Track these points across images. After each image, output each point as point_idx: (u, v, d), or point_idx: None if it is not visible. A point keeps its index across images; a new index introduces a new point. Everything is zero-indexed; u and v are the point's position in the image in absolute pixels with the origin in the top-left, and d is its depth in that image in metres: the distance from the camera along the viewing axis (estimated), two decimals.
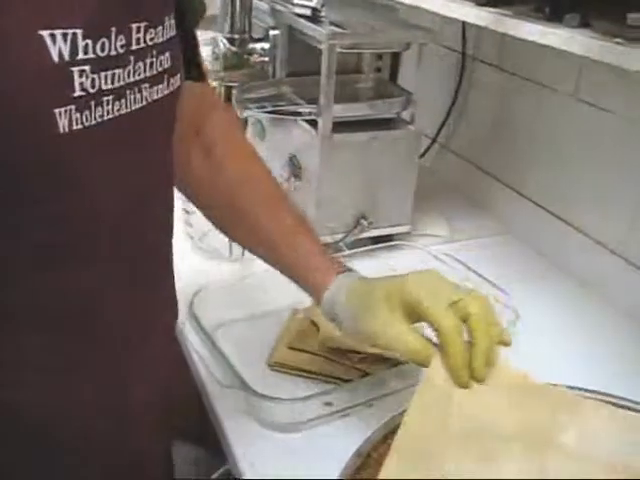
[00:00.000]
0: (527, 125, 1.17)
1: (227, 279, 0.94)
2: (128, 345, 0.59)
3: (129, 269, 0.56)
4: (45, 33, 0.42)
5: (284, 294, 0.85)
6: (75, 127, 0.44)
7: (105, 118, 0.47)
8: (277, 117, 1.09)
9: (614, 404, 0.69)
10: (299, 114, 1.03)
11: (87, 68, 0.44)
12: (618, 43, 0.72)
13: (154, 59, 0.51)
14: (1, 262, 0.47)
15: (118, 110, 0.48)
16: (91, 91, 0.45)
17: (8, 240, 0.46)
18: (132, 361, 0.60)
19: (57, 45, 0.42)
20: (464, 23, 1.24)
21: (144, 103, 0.51)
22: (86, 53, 0.44)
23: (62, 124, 0.44)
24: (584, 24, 0.78)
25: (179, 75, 0.56)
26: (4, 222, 0.45)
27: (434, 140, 1.38)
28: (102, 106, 0.46)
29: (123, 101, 0.48)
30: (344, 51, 0.99)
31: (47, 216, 0.47)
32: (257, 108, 1.06)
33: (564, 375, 0.78)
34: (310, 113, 1.01)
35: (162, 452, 0.74)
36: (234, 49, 1.15)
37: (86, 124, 0.45)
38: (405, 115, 1.10)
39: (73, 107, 0.44)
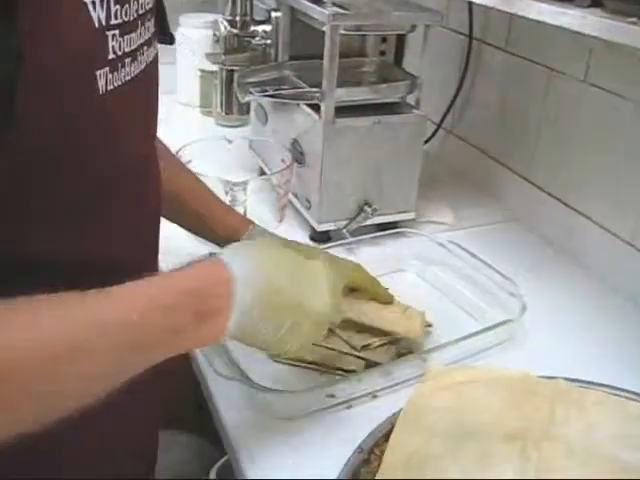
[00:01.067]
0: (535, 110, 1.14)
1: None
2: None
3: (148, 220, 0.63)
4: (88, 0, 0.46)
5: None
6: (109, 87, 0.49)
7: (126, 79, 0.51)
8: (279, 101, 1.07)
9: (619, 397, 0.67)
10: (301, 98, 1.01)
11: (117, 32, 0.49)
12: (631, 23, 0.70)
13: (149, 23, 0.56)
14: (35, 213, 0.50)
15: (133, 72, 0.52)
16: (119, 54, 0.50)
17: (46, 191, 0.49)
18: None
19: (97, 11, 0.47)
20: (471, 4, 1.21)
21: (144, 65, 0.55)
22: (116, 18, 0.49)
23: (101, 85, 0.48)
24: (596, 3, 0.75)
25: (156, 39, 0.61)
26: (44, 180, 0.48)
27: (439, 125, 1.35)
28: (125, 68, 0.51)
29: (136, 63, 0.53)
30: (347, 33, 0.96)
31: (84, 172, 0.51)
32: (259, 92, 1.03)
33: (571, 367, 0.76)
34: (313, 97, 0.99)
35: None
36: (235, 31, 1.13)
37: (115, 84, 0.50)
38: (410, 99, 1.07)
39: (108, 69, 0.48)
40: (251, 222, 0.89)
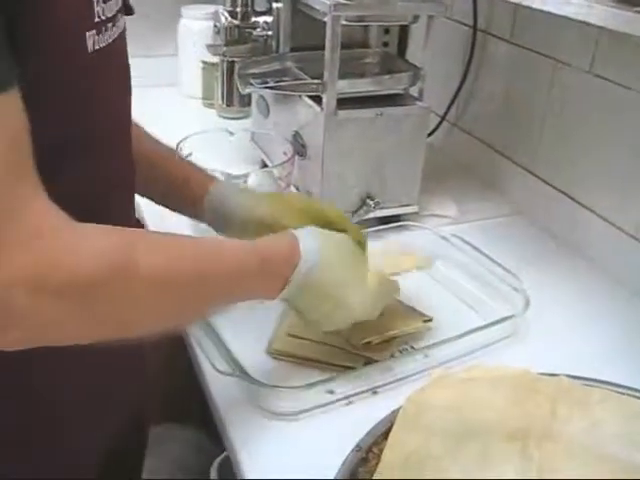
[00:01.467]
0: (540, 102, 1.13)
1: None
2: None
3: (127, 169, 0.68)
4: None
5: None
6: (95, 47, 0.54)
7: (108, 41, 0.56)
8: (280, 93, 1.06)
9: (623, 394, 0.66)
10: (303, 90, 1.00)
11: None
12: (637, 12, 0.69)
13: None
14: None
15: (112, 36, 0.57)
16: (102, 18, 0.55)
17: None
18: None
19: None
20: None
21: (120, 31, 0.60)
22: None
23: (89, 44, 0.53)
24: None
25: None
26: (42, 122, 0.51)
27: (443, 118, 1.34)
28: (107, 31, 0.56)
29: (114, 29, 0.58)
30: (349, 24, 0.95)
31: (76, 120, 0.56)
32: (260, 84, 1.02)
33: (575, 363, 0.75)
34: (314, 89, 0.97)
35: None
36: (236, 23, 1.11)
37: (101, 45, 0.55)
38: (413, 91, 1.06)
39: (94, 31, 0.54)
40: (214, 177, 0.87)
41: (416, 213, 1.09)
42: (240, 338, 0.79)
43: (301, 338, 0.79)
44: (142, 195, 0.83)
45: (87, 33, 0.53)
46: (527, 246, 1.07)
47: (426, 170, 1.07)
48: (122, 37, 0.62)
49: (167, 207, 0.86)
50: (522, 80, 1.17)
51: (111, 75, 0.60)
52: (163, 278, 0.54)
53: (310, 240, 0.68)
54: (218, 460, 0.91)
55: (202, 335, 0.76)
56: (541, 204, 1.14)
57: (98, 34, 0.54)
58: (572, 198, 1.07)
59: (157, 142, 0.85)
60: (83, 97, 0.56)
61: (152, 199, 0.85)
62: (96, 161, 0.60)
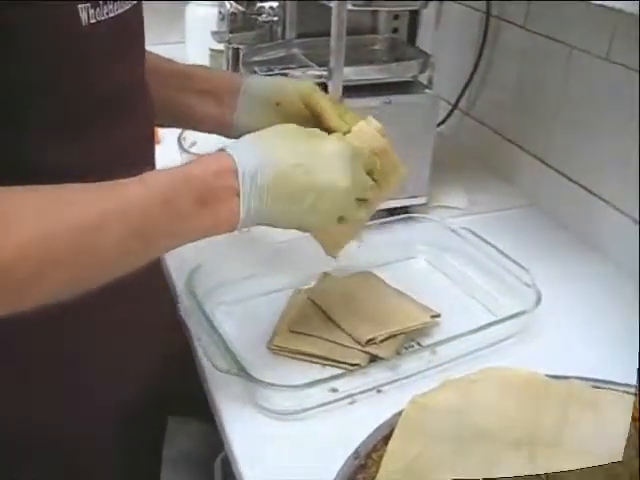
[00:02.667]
0: (555, 90, 1.09)
1: (227, 252, 0.87)
2: None
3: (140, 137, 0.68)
4: None
5: (287, 272, 0.81)
6: (91, 20, 0.55)
7: (110, 15, 0.57)
8: None
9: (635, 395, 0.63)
10: (308, 77, 0.97)
11: None
12: None
13: None
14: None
15: (116, 10, 0.58)
16: None
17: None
18: None
19: None
20: None
21: (129, 6, 0.61)
22: None
23: (83, 17, 0.54)
24: None
25: None
26: (42, 95, 0.55)
27: (454, 106, 1.30)
28: (106, 5, 0.57)
29: (119, 3, 0.59)
30: (356, 9, 0.92)
31: (75, 93, 0.57)
32: (264, 72, 0.99)
33: (587, 363, 0.73)
34: (320, 76, 0.95)
35: None
36: (241, 9, 1.09)
37: (98, 19, 0.56)
38: (423, 79, 1.03)
39: (89, 4, 0.55)
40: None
41: (425, 204, 1.06)
42: (240, 332, 0.77)
43: (303, 334, 0.77)
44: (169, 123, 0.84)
45: (79, 6, 0.54)
46: (538, 238, 1.03)
47: (436, 160, 1.04)
48: (134, 10, 0.62)
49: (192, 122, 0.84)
50: (536, 67, 1.14)
51: (112, 48, 0.59)
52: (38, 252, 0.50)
53: (243, 145, 0.63)
54: (220, 456, 0.90)
55: (201, 330, 0.74)
56: (555, 195, 1.10)
57: (94, 8, 0.55)
58: (587, 189, 1.04)
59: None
60: (78, 69, 0.56)
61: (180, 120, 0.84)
62: (99, 133, 0.60)
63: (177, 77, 0.81)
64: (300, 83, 0.79)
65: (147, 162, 0.71)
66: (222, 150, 0.62)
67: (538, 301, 0.80)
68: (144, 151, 0.71)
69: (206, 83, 0.80)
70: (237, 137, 0.75)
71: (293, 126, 0.67)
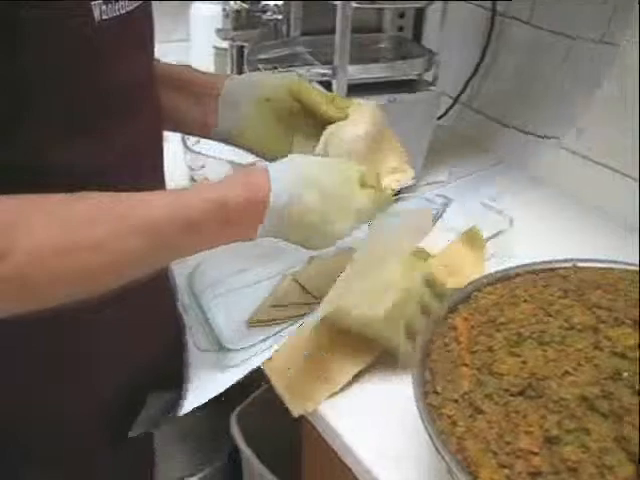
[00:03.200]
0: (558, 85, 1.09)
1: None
2: None
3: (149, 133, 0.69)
4: None
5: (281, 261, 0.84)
6: (103, 17, 0.56)
7: (121, 12, 0.58)
8: None
9: None
10: (313, 76, 0.96)
11: None
12: None
13: None
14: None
15: (127, 7, 0.59)
16: None
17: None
18: None
19: None
20: None
21: (138, 3, 0.62)
22: None
23: (96, 14, 0.55)
24: None
25: None
26: (51, 93, 0.56)
27: (456, 100, 1.29)
28: (118, 2, 0.58)
29: (128, 1, 0.59)
30: (361, 6, 0.92)
31: (85, 91, 0.58)
32: (269, 70, 0.99)
33: None
34: (324, 75, 0.95)
35: None
36: (246, 6, 1.08)
37: (110, 15, 0.57)
38: (428, 77, 1.03)
39: (101, 1, 0.56)
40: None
41: (414, 185, 1.06)
42: (230, 319, 0.79)
43: (281, 306, 0.79)
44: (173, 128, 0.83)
45: (93, 2, 0.55)
46: (510, 187, 1.08)
47: (432, 147, 1.07)
48: (143, 8, 0.63)
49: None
50: (541, 64, 1.13)
51: (122, 45, 0.61)
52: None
53: (279, 174, 0.63)
54: (235, 412, 0.89)
55: (195, 321, 0.77)
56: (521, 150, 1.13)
57: (106, 4, 0.56)
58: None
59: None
60: (92, 67, 0.57)
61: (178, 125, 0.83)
62: (108, 131, 0.61)
63: (160, 77, 0.78)
64: (284, 77, 0.78)
65: (155, 160, 0.72)
66: (260, 171, 0.63)
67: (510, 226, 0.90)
68: (153, 148, 0.71)
69: (188, 83, 0.79)
70: (219, 139, 0.79)
71: (334, 163, 0.68)
